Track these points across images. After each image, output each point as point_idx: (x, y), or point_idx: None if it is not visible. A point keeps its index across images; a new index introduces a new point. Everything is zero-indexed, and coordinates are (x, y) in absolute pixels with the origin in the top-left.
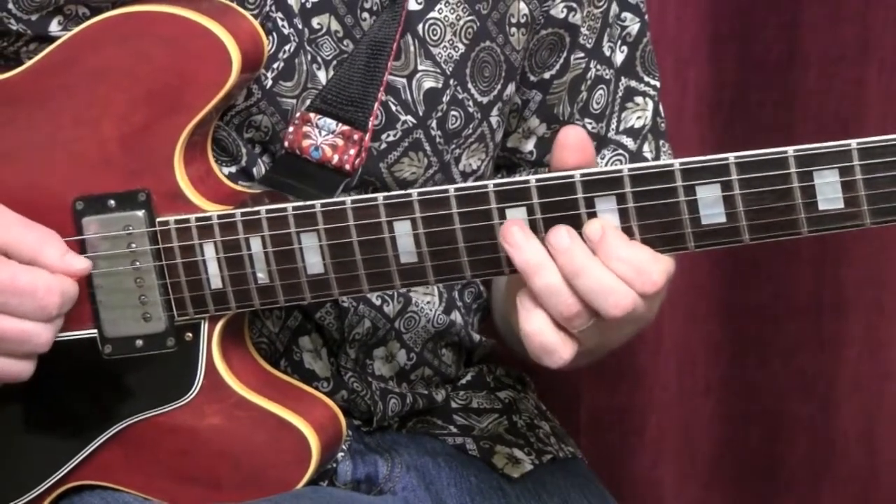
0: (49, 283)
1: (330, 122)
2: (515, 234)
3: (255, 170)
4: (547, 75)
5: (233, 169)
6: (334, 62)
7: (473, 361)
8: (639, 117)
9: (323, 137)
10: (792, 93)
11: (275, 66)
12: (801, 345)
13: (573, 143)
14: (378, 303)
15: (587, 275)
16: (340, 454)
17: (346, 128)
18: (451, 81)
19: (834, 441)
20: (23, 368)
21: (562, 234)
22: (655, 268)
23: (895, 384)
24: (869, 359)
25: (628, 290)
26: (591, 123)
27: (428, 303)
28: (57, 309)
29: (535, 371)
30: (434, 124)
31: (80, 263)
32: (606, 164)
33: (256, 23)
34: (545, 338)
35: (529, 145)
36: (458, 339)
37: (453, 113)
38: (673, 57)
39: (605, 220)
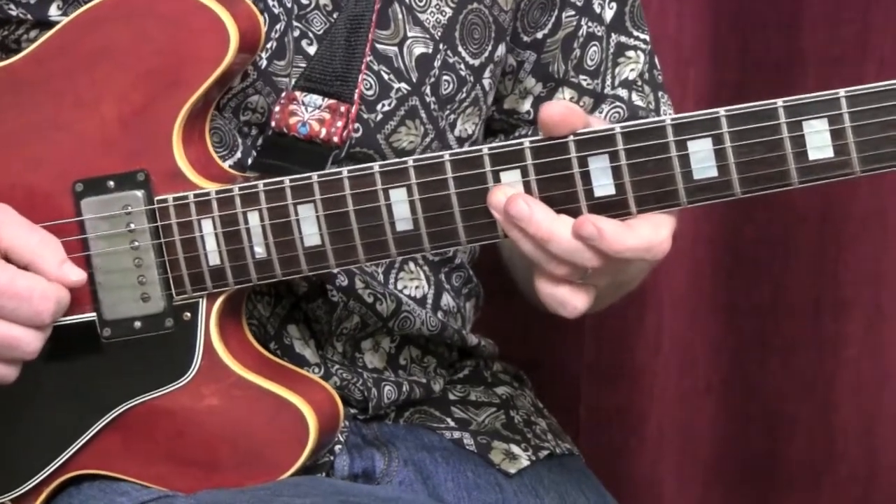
0: (45, 290)
1: (316, 98)
2: (500, 201)
3: (250, 160)
4: (540, 35)
5: (229, 162)
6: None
7: (471, 353)
8: (632, 69)
9: (310, 113)
10: (792, 93)
11: (268, 45)
12: (801, 345)
13: (557, 118)
14: (370, 300)
15: (557, 239)
16: (338, 447)
17: (332, 101)
18: (441, 46)
19: (834, 441)
20: (6, 373)
21: (519, 206)
22: (661, 237)
23: (895, 384)
24: (869, 359)
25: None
26: (586, 80)
27: (417, 287)
28: (50, 317)
29: (534, 369)
30: (428, 90)
31: (76, 274)
32: (606, 118)
33: (254, 6)
34: (555, 290)
35: (527, 105)
36: (450, 342)
37: (446, 78)
38: (673, 57)
39: (593, 217)
